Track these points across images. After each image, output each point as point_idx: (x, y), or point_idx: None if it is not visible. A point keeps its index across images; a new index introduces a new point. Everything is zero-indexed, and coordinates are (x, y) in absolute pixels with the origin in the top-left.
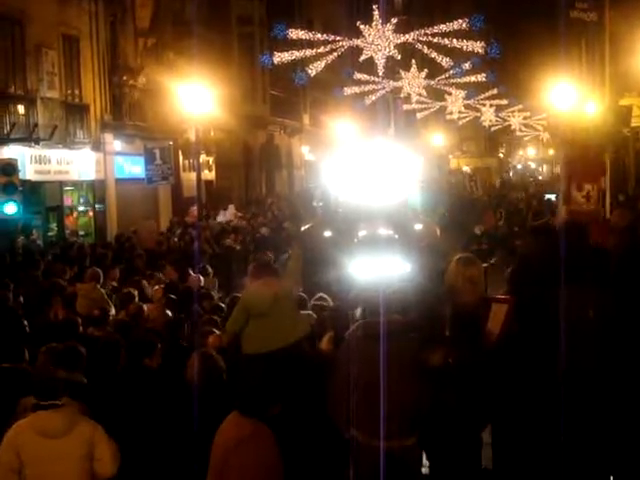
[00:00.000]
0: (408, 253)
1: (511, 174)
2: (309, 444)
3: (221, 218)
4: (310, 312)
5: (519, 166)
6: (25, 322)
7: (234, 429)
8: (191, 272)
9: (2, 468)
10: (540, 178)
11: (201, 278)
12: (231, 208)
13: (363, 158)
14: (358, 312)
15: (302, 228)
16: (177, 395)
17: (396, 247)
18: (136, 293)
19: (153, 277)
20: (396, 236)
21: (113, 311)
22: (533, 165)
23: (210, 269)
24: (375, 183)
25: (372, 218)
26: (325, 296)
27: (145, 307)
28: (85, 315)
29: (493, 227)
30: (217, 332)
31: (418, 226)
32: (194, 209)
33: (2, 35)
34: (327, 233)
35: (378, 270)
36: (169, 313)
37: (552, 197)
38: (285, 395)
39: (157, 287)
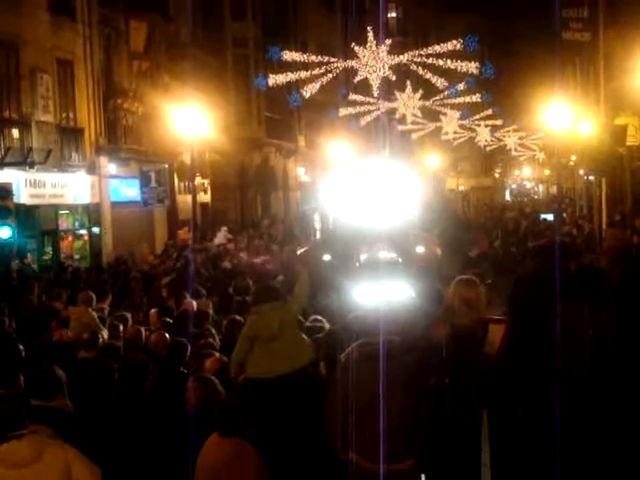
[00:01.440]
0: (411, 276)
1: (507, 194)
2: (307, 467)
3: (218, 240)
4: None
5: (513, 185)
6: (21, 347)
7: (217, 451)
8: (186, 295)
9: None
10: (535, 197)
11: (193, 302)
12: (223, 231)
13: (363, 179)
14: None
15: (299, 251)
16: (174, 419)
17: (400, 271)
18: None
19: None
20: (400, 260)
21: (105, 335)
22: (528, 185)
23: (204, 291)
24: (376, 204)
25: (374, 240)
26: (320, 318)
27: (143, 330)
28: (75, 338)
29: (487, 249)
30: (215, 355)
31: (420, 248)
32: (181, 232)
33: None
34: (326, 256)
35: (382, 296)
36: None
37: (549, 217)
38: (285, 418)
39: (153, 311)
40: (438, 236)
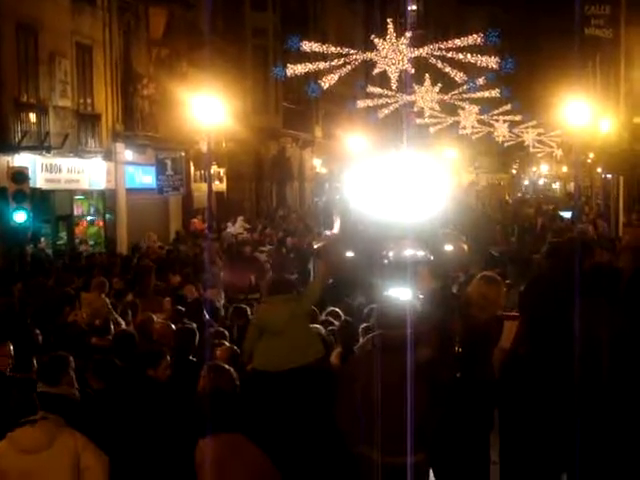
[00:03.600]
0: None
1: (524, 189)
2: (317, 459)
3: (230, 230)
4: (319, 326)
5: (526, 182)
6: (37, 331)
7: (213, 449)
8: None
9: None
10: (542, 196)
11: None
12: (240, 220)
13: (387, 172)
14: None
15: (316, 245)
16: (186, 408)
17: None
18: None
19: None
20: (431, 258)
21: (121, 321)
22: (541, 182)
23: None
24: (401, 199)
25: (400, 237)
26: (337, 310)
27: (155, 317)
28: (87, 324)
29: (504, 246)
30: (226, 344)
31: (448, 247)
32: (196, 220)
33: (16, 43)
34: (349, 253)
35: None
36: (173, 326)
37: (567, 214)
38: (292, 411)
39: (167, 298)
40: (463, 233)
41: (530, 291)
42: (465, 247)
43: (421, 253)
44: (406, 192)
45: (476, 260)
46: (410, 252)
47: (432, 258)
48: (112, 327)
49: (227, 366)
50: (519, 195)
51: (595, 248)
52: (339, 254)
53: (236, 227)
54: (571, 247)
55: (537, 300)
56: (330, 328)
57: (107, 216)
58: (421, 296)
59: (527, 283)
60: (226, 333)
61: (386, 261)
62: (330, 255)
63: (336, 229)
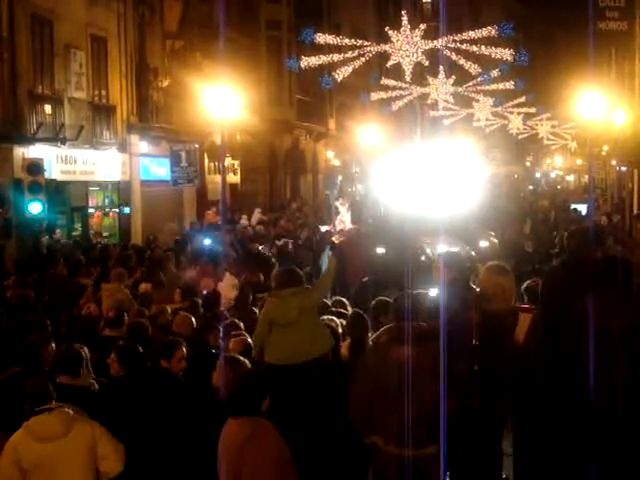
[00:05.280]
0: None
1: (536, 182)
2: (329, 450)
3: (244, 222)
4: (333, 318)
5: (537, 175)
6: (48, 322)
7: (234, 434)
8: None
9: None
10: (559, 187)
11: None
12: (257, 212)
13: (417, 165)
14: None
15: (336, 239)
16: (201, 400)
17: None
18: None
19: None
20: (472, 253)
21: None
22: (553, 175)
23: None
24: (433, 192)
25: (433, 232)
26: (345, 300)
27: (169, 309)
28: (100, 315)
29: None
30: (241, 335)
31: (484, 242)
32: (210, 212)
33: (31, 35)
34: (380, 249)
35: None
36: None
37: (579, 207)
38: (304, 403)
39: (178, 290)
40: (490, 228)
41: (544, 284)
42: (496, 242)
43: (455, 249)
44: (437, 185)
45: (506, 256)
46: (445, 248)
47: (473, 253)
48: (126, 318)
49: (242, 358)
50: (530, 188)
51: (607, 239)
52: (366, 250)
53: (253, 219)
54: (583, 239)
55: (551, 293)
56: (338, 320)
57: (122, 208)
58: (435, 289)
59: (543, 275)
60: (240, 324)
61: (424, 257)
62: (356, 250)
63: (349, 223)
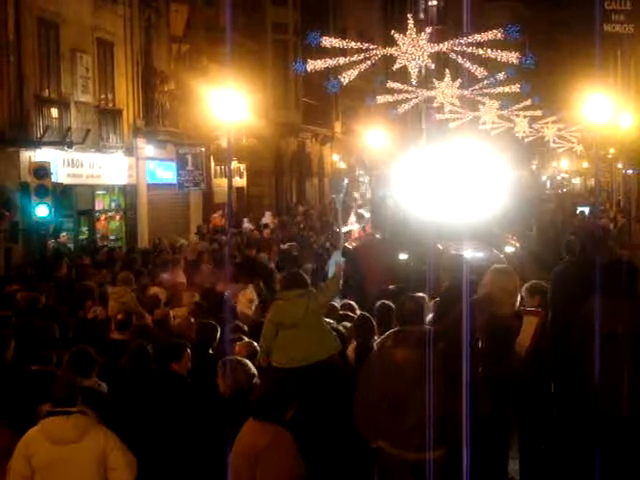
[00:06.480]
0: None
1: (548, 185)
2: (334, 454)
3: (247, 225)
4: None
5: (544, 177)
6: (56, 325)
7: (254, 437)
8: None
9: (14, 476)
10: (564, 190)
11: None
12: (267, 215)
13: (438, 167)
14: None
15: (350, 245)
16: (207, 402)
17: None
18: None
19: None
20: (501, 257)
21: (147, 316)
22: (559, 177)
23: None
24: (456, 196)
25: (458, 238)
26: (352, 303)
27: (172, 312)
28: (107, 319)
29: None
30: (245, 339)
31: (509, 248)
32: (216, 216)
33: (38, 39)
34: (402, 255)
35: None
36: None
37: (585, 210)
38: (310, 406)
39: (187, 293)
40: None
41: (552, 288)
42: (518, 246)
43: (481, 254)
44: (460, 189)
45: (530, 261)
46: (470, 254)
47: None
48: (134, 321)
49: (246, 361)
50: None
51: (609, 243)
52: (385, 256)
53: (265, 220)
54: (589, 241)
55: (559, 296)
56: (344, 323)
57: (128, 211)
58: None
59: (551, 278)
60: (245, 328)
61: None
62: (375, 256)
63: (358, 227)
